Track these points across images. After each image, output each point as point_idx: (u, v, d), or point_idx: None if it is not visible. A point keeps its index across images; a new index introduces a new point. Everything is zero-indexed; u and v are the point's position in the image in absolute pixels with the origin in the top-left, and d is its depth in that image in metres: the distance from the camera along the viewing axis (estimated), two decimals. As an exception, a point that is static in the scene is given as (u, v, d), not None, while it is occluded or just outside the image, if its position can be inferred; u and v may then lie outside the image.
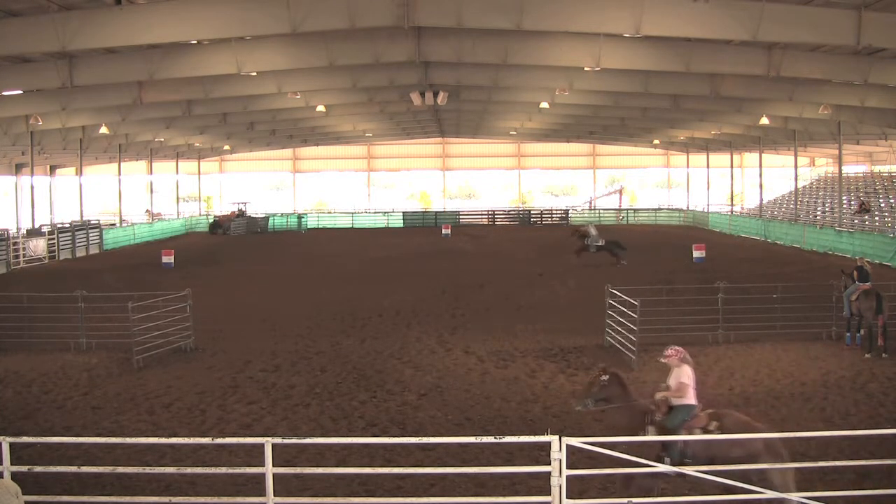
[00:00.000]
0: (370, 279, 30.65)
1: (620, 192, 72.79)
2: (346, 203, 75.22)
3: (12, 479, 8.26)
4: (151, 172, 61.17)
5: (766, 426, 9.73)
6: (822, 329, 18.56)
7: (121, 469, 10.01)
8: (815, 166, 70.69)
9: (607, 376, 9.63)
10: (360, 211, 71.20)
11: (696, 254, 34.08)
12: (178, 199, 64.31)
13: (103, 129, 41.18)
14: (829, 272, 24.36)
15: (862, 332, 17.30)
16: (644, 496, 9.07)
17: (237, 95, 35.17)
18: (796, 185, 51.79)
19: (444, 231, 53.89)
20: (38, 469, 9.40)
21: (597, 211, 70.24)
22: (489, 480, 10.28)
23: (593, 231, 35.06)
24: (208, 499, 9.38)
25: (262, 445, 8.68)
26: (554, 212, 69.81)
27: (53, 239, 40.29)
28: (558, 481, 8.39)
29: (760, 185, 53.80)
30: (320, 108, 41.96)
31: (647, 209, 70.89)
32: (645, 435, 9.28)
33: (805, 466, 10.17)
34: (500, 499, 9.67)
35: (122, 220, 52.91)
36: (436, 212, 70.15)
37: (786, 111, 39.06)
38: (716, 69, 28.76)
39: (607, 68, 28.70)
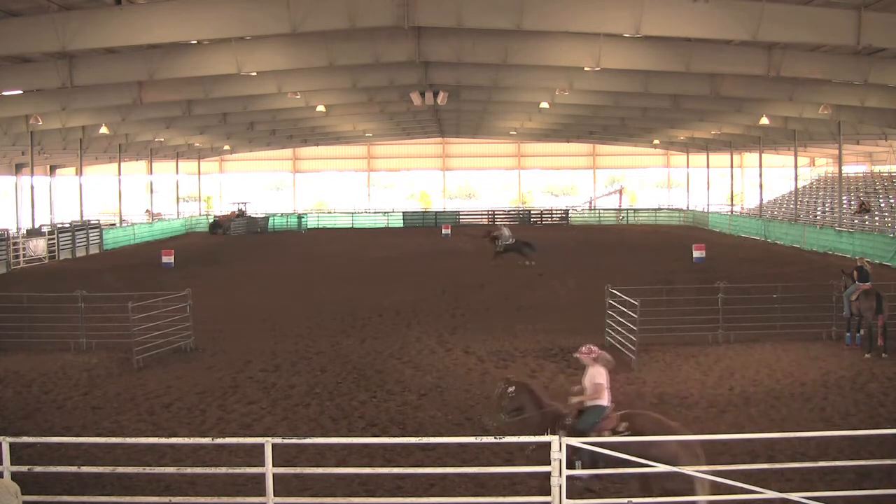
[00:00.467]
0: (370, 279, 30.65)
1: (620, 192, 72.80)
2: (346, 203, 75.22)
3: (12, 479, 8.27)
4: (151, 172, 61.17)
5: (681, 426, 9.66)
6: (822, 329, 18.55)
7: (121, 469, 10.01)
8: (815, 166, 70.69)
9: (513, 387, 9.54)
10: (360, 211, 71.20)
11: (696, 254, 34.10)
12: (178, 199, 64.31)
13: (103, 129, 41.18)
14: (829, 272, 24.37)
15: (862, 332, 17.30)
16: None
17: (237, 95, 35.17)
18: (796, 185, 51.79)
19: (444, 231, 53.90)
20: (38, 469, 9.39)
21: (597, 211, 70.26)
22: (489, 480, 10.28)
23: (506, 232, 35.31)
24: (208, 499, 9.38)
25: (262, 445, 8.68)
26: (554, 212, 69.81)
27: (53, 239, 40.28)
28: (558, 481, 8.39)
29: (760, 185, 53.80)
30: (320, 108, 41.96)
31: (647, 209, 70.90)
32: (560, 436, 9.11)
33: (805, 466, 10.18)
34: (500, 499, 9.67)
35: (122, 220, 52.91)
36: (436, 212, 70.15)
37: (786, 111, 39.06)
38: (716, 69, 28.76)
39: (607, 68, 28.70)
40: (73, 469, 9.95)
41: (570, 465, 8.88)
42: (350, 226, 66.47)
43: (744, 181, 73.60)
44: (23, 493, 8.05)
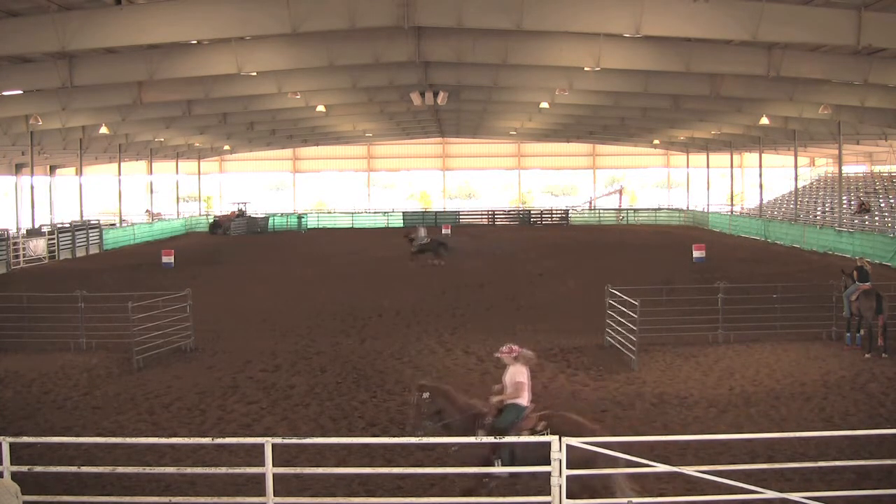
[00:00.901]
0: (370, 279, 30.65)
1: (620, 192, 72.79)
2: (346, 203, 75.21)
3: (12, 479, 8.27)
4: (151, 172, 61.18)
5: (599, 427, 9.67)
6: (822, 329, 18.56)
7: (121, 469, 10.01)
8: (815, 166, 70.69)
9: (427, 393, 9.51)
10: (360, 211, 71.19)
11: (696, 254, 34.11)
12: (178, 199, 64.31)
13: (103, 129, 41.18)
14: (829, 272, 24.37)
15: (862, 332, 17.30)
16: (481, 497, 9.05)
17: (237, 95, 35.18)
18: (796, 185, 51.79)
19: (444, 231, 53.89)
20: (38, 469, 9.39)
21: (597, 211, 70.26)
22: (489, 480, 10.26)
23: (422, 232, 36.38)
24: (208, 499, 9.37)
25: (262, 445, 8.69)
26: (554, 212, 69.80)
27: (53, 239, 40.29)
28: (558, 481, 8.39)
29: (760, 185, 53.80)
30: (320, 108, 41.96)
31: (647, 209, 70.88)
32: (480, 435, 9.24)
33: (805, 466, 10.18)
34: (500, 499, 9.67)
35: (122, 220, 52.90)
36: (436, 212, 70.11)
37: (786, 111, 39.06)
38: (716, 69, 28.76)
39: (607, 68, 28.71)
40: (73, 469, 9.95)
41: (490, 463, 8.98)
42: (350, 226, 66.46)
43: (744, 181, 73.61)
44: (23, 493, 8.06)
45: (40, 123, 36.87)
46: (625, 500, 9.06)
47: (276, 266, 35.98)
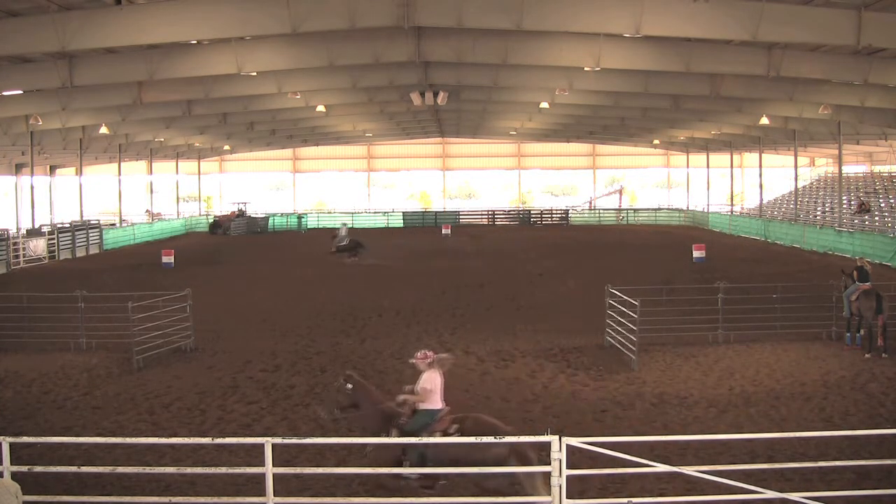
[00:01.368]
0: (370, 279, 30.65)
1: (620, 192, 72.78)
2: (346, 203, 75.20)
3: (12, 479, 8.27)
4: (151, 172, 61.18)
5: (513, 429, 9.71)
6: (822, 329, 18.56)
7: (121, 469, 10.01)
8: (815, 166, 70.69)
9: (351, 384, 9.59)
10: (360, 211, 71.18)
11: (696, 254, 34.10)
12: (178, 199, 64.31)
13: (103, 129, 41.18)
14: (829, 272, 24.37)
15: (862, 332, 17.29)
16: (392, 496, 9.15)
17: (237, 95, 35.18)
18: (796, 185, 51.80)
19: (444, 231, 53.90)
20: (38, 469, 9.39)
21: (597, 211, 70.26)
22: (489, 480, 10.25)
23: (342, 232, 37.77)
24: (208, 499, 9.37)
25: (262, 445, 8.69)
26: (554, 212, 69.80)
27: (53, 239, 40.27)
28: (558, 481, 8.39)
29: (760, 185, 53.80)
30: (320, 108, 41.96)
31: (647, 209, 70.88)
32: (391, 436, 9.35)
33: (805, 466, 10.18)
34: (500, 499, 9.66)
35: (122, 220, 52.90)
36: (436, 212, 70.13)
37: (786, 111, 39.06)
38: (716, 69, 28.76)
39: (607, 68, 28.71)
40: (73, 469, 9.95)
41: (399, 464, 9.08)
42: (350, 226, 66.35)
43: (744, 181, 73.61)
44: (23, 493, 8.06)
45: (40, 123, 36.86)
46: (625, 500, 9.06)
47: (276, 266, 35.97)
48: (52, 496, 9.23)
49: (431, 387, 9.55)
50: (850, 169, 59.24)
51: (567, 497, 8.46)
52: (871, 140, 51.69)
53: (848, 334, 17.82)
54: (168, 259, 35.24)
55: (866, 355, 16.74)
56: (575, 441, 8.60)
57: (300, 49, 27.30)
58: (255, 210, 66.83)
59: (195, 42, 26.15)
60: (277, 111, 43.24)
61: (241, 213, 61.90)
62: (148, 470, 10.20)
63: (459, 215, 68.57)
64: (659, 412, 13.35)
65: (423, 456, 9.09)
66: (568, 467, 8.47)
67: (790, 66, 26.95)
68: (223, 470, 10.25)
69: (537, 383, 15.24)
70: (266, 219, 63.48)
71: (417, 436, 9.19)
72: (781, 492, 8.84)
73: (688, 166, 68.91)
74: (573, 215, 68.70)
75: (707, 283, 20.88)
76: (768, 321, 18.69)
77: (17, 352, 18.06)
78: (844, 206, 45.62)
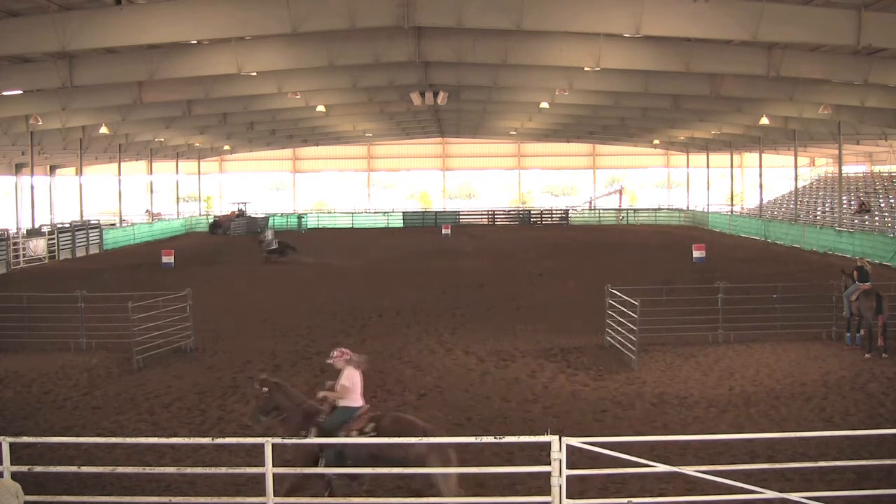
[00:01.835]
0: (370, 279, 30.65)
1: (620, 192, 72.79)
2: (346, 203, 75.22)
3: (12, 479, 8.27)
4: (151, 172, 61.18)
5: (433, 428, 9.74)
6: (822, 329, 18.56)
7: (121, 469, 10.01)
8: (815, 166, 70.69)
9: (266, 388, 9.62)
10: (360, 211, 71.19)
11: (696, 254, 34.11)
12: (178, 199, 64.33)
13: (103, 129, 41.19)
14: (829, 272, 24.37)
15: (862, 332, 17.29)
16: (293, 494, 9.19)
17: (237, 95, 35.18)
18: (796, 185, 51.80)
19: (444, 231, 53.90)
20: (38, 469, 9.39)
21: (597, 211, 70.26)
22: (489, 480, 10.27)
23: (269, 236, 37.89)
24: (208, 499, 9.37)
25: (262, 445, 8.69)
26: (554, 212, 69.81)
27: (53, 239, 40.28)
28: (558, 481, 8.39)
29: (760, 185, 53.81)
30: (320, 108, 41.96)
31: (647, 209, 70.90)
32: (308, 436, 9.36)
33: (805, 466, 10.18)
34: (500, 499, 9.67)
35: (122, 220, 52.91)
36: (436, 212, 70.14)
37: (786, 111, 39.07)
38: (716, 69, 28.76)
39: (607, 68, 28.71)
40: (73, 469, 9.94)
41: (316, 462, 9.13)
42: (350, 226, 66.47)
43: (744, 181, 73.61)
44: (23, 493, 8.06)
45: (40, 123, 36.87)
46: (625, 500, 9.06)
47: (276, 266, 35.95)
48: (52, 496, 9.23)
49: (350, 384, 9.61)
50: (850, 169, 59.25)
51: (567, 497, 8.45)
52: (871, 140, 51.69)
53: (848, 334, 17.82)
54: (168, 259, 35.24)
55: (866, 355, 16.74)
56: (575, 441, 8.60)
57: (300, 49, 27.30)
58: (255, 210, 66.83)
59: (195, 42, 26.15)
60: (277, 111, 43.24)
61: (241, 213, 61.91)
62: (148, 470, 10.19)
63: (459, 215, 68.58)
64: (659, 412, 13.35)
65: (340, 454, 9.17)
66: (568, 467, 8.47)
67: (790, 66, 26.95)
68: (223, 470, 10.25)
69: (537, 383, 15.23)
70: (266, 219, 63.44)
71: (335, 433, 9.27)
72: (781, 492, 8.83)
73: (688, 166, 68.92)
74: (573, 215, 68.72)
75: (707, 283, 20.88)
76: (768, 321, 18.68)
77: (17, 352, 18.05)
78: (844, 206, 45.62)
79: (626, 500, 9.23)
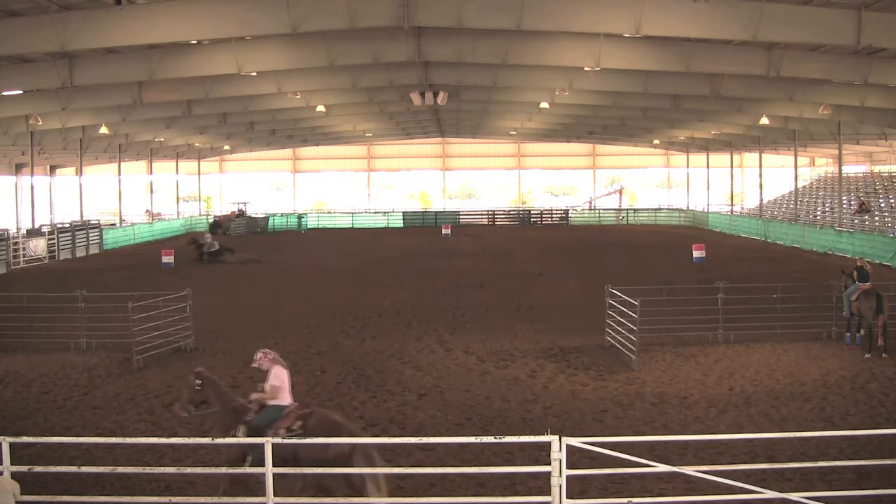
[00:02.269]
0: (370, 279, 30.65)
1: (620, 192, 72.79)
2: (346, 203, 75.23)
3: (12, 479, 8.27)
4: (151, 172, 61.18)
5: (357, 428, 9.93)
6: (822, 329, 18.56)
7: (121, 469, 10.01)
8: (815, 166, 70.70)
9: (200, 381, 9.79)
10: (360, 211, 71.20)
11: (696, 254, 34.10)
12: (178, 199, 64.34)
13: (103, 129, 41.19)
14: (829, 272, 24.37)
15: (862, 332, 17.29)
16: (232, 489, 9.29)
17: (237, 95, 35.18)
18: (796, 185, 51.81)
19: (444, 231, 53.91)
20: (38, 469, 9.38)
21: (597, 211, 70.26)
22: (489, 480, 10.28)
23: (208, 238, 38.03)
24: (208, 499, 9.37)
25: (261, 445, 8.69)
26: (554, 212, 69.82)
27: (53, 239, 40.27)
28: (558, 481, 8.39)
29: (760, 185, 53.80)
30: (320, 108, 41.96)
31: (647, 209, 70.91)
32: (236, 434, 9.52)
33: (805, 466, 10.18)
34: (500, 499, 9.67)
35: (122, 220, 52.90)
36: (436, 212, 70.14)
37: (786, 111, 39.07)
38: (716, 69, 28.76)
39: (607, 68, 28.71)
40: (73, 469, 9.94)
41: (245, 460, 9.25)
42: (350, 226, 66.48)
43: (744, 181, 73.61)
44: (23, 493, 8.06)
45: (40, 123, 36.88)
46: (625, 500, 9.06)
47: (276, 266, 35.97)
48: (52, 496, 9.23)
49: (280, 383, 9.79)
50: (850, 169, 59.24)
51: (567, 497, 8.45)
52: (871, 140, 51.69)
53: (848, 334, 17.81)
54: (168, 259, 35.26)
55: (866, 355, 16.74)
56: (575, 441, 8.60)
57: (300, 49, 27.30)
58: (255, 210, 66.86)
59: (195, 42, 26.15)
60: (277, 111, 43.25)
61: (241, 213, 61.94)
62: (148, 470, 10.20)
63: (459, 215, 68.59)
64: (659, 412, 13.35)
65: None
66: (568, 467, 8.47)
67: (790, 66, 26.94)
68: (223, 470, 10.24)
69: (537, 383, 15.24)
70: (266, 219, 63.51)
71: (263, 431, 9.42)
72: (781, 492, 8.83)
73: (688, 166, 68.94)
74: (573, 215, 68.72)
75: (707, 283, 20.86)
76: (768, 321, 18.69)
77: (17, 352, 18.06)
78: (844, 206, 45.62)
79: (626, 500, 9.23)
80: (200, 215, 66.54)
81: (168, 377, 15.92)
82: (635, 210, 70.52)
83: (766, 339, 18.22)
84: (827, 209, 50.50)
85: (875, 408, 13.51)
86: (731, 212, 60.30)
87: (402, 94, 38.58)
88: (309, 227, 63.82)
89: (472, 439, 10.73)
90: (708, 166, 62.89)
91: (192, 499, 9.48)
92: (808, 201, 54.86)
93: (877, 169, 58.96)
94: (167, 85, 32.02)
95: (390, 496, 9.31)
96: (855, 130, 45.41)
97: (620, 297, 17.21)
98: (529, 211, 70.54)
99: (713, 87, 31.86)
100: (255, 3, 22.42)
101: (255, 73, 29.87)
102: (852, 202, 48.85)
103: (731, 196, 62.79)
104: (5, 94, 32.14)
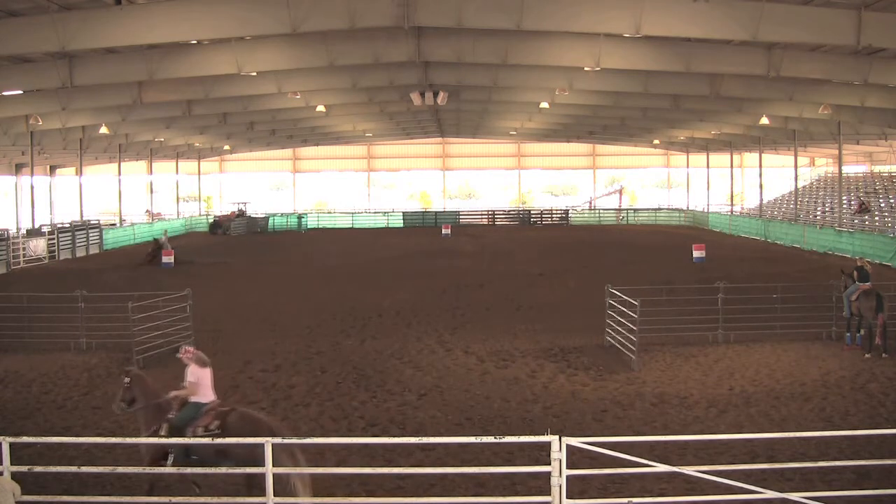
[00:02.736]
0: (370, 279, 30.65)
1: (620, 192, 72.79)
2: (346, 203, 75.23)
3: (12, 479, 8.27)
4: (151, 172, 61.18)
5: (280, 426, 9.98)
6: (822, 329, 18.56)
7: (121, 469, 10.02)
8: (815, 166, 70.70)
9: (129, 379, 9.98)
10: (360, 211, 71.20)
11: (696, 254, 34.10)
12: (178, 199, 64.34)
13: (103, 129, 41.18)
14: (829, 272, 24.37)
15: (862, 332, 17.29)
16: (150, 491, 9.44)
17: (237, 95, 35.18)
18: (796, 185, 51.81)
19: (444, 231, 53.91)
20: (38, 469, 9.39)
21: (597, 211, 70.26)
22: (489, 480, 10.28)
23: (163, 240, 37.89)
24: (208, 499, 9.37)
25: (261, 445, 8.69)
26: (554, 212, 69.82)
27: (53, 239, 40.26)
28: (558, 481, 8.39)
29: (760, 185, 53.81)
30: (320, 108, 41.96)
31: (647, 209, 70.91)
32: (160, 432, 9.68)
33: (805, 466, 10.18)
34: (500, 499, 9.67)
35: (122, 220, 52.90)
36: (436, 212, 70.15)
37: (786, 111, 39.06)
38: (716, 69, 28.76)
39: (607, 68, 28.70)
40: (73, 469, 9.95)
41: (166, 458, 9.41)
42: (350, 226, 66.49)
43: (744, 181, 73.62)
44: (23, 493, 8.06)
45: (40, 123, 36.88)
46: (625, 500, 9.06)
47: (276, 266, 35.97)
48: (52, 496, 9.23)
49: (195, 379, 9.93)
50: (850, 169, 59.24)
51: (567, 497, 8.46)
52: (871, 140, 51.70)
53: (848, 334, 17.82)
54: (168, 259, 35.26)
55: (866, 355, 16.74)
56: (575, 441, 8.60)
57: (300, 49, 27.30)
58: (255, 210, 66.85)
59: (195, 42, 26.15)
60: (277, 111, 43.24)
61: (241, 213, 61.93)
62: (148, 470, 10.18)
63: (459, 215, 68.58)
64: (659, 412, 13.35)
65: (187, 450, 9.43)
66: (568, 467, 8.47)
67: (790, 66, 26.94)
68: (223, 470, 10.24)
69: (537, 383, 15.24)
70: (266, 219, 63.50)
71: (183, 428, 9.59)
72: (781, 492, 8.84)
73: (688, 166, 68.95)
74: (573, 215, 68.72)
75: (707, 283, 20.87)
76: (768, 321, 18.69)
77: (17, 352, 18.06)
78: (844, 206, 45.63)
79: (626, 500, 9.23)
80: (200, 215, 66.53)
81: (168, 377, 15.86)
82: (635, 210, 70.53)
83: (766, 339, 18.22)
84: (827, 209, 50.50)
85: (875, 408, 13.51)
86: (731, 212, 60.31)
87: (402, 94, 38.58)
88: (309, 227, 63.82)
89: (472, 439, 10.74)
90: (708, 166, 62.89)
91: (192, 499, 9.48)
92: (808, 201, 54.87)
93: (877, 169, 58.96)
94: (167, 85, 32.02)
95: (315, 495, 9.30)
96: (855, 130, 45.41)
97: (620, 297, 17.22)
98: (529, 211, 70.55)
99: (713, 87, 31.86)
100: (255, 3, 22.42)
101: (255, 73, 29.87)
102: (852, 202, 48.85)
103: (731, 196, 62.80)
104: (5, 94, 32.14)
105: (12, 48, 23.45)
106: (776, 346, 17.82)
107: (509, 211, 71.31)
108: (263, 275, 32.74)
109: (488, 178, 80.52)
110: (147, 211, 61.48)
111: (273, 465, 8.74)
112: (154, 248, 37.04)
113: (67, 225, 45.22)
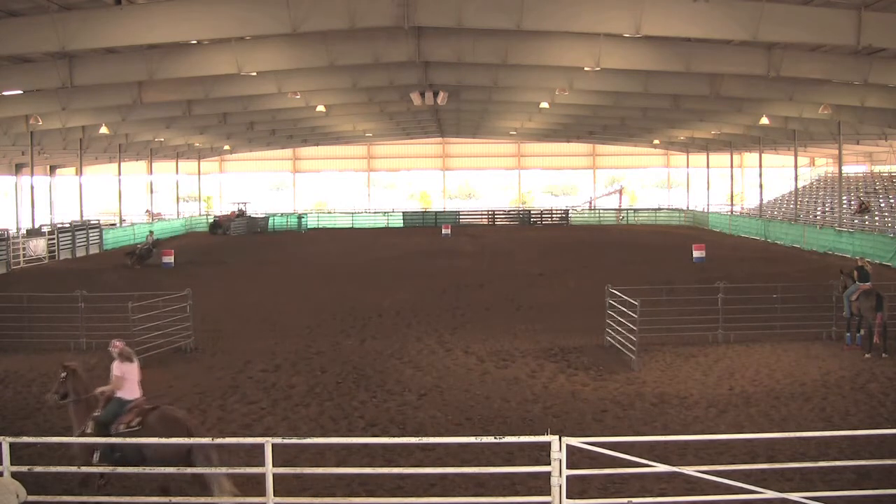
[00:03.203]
0: (370, 279, 30.65)
1: (620, 192, 72.80)
2: (346, 203, 75.23)
3: (13, 479, 8.26)
4: (151, 172, 61.18)
5: (198, 425, 10.07)
6: (822, 329, 18.56)
7: (121, 469, 10.00)
8: (815, 166, 70.71)
9: (65, 373, 10.03)
10: (360, 211, 71.21)
11: (696, 254, 34.11)
12: (178, 199, 64.32)
13: (103, 129, 41.19)
14: (829, 272, 24.37)
15: (862, 332, 17.30)
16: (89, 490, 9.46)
17: (237, 95, 35.18)
18: (796, 185, 51.81)
19: (444, 231, 53.91)
20: (38, 469, 9.39)
21: (597, 211, 70.27)
22: (489, 480, 10.28)
23: (150, 243, 37.96)
24: (208, 499, 9.37)
25: (262, 445, 8.70)
26: (554, 212, 69.82)
27: (53, 239, 40.27)
28: (558, 481, 8.39)
29: (760, 185, 53.82)
30: (320, 108, 41.96)
31: (647, 209, 70.92)
32: (87, 428, 9.72)
33: (805, 466, 10.19)
34: (500, 499, 9.67)
35: (122, 220, 52.89)
36: (436, 212, 70.14)
37: (786, 111, 39.07)
38: (716, 69, 28.76)
39: (607, 68, 28.70)
40: (73, 469, 9.94)
41: (91, 455, 9.46)
42: (350, 226, 66.49)
43: (744, 181, 73.64)
44: (24, 492, 8.05)
45: (40, 123, 36.87)
46: (625, 500, 9.06)
47: (276, 266, 35.97)
48: (52, 496, 9.23)
49: (121, 374, 10.00)
50: (850, 169, 59.25)
51: (567, 497, 8.46)
52: (871, 140, 51.70)
53: (848, 334, 17.82)
54: (168, 259, 35.26)
55: (866, 355, 16.74)
56: (575, 441, 8.60)
57: (300, 49, 27.29)
58: (255, 210, 66.85)
59: (195, 42, 26.15)
60: (277, 111, 43.25)
61: (241, 213, 61.93)
62: (148, 470, 10.18)
63: (459, 215, 68.58)
64: (659, 412, 13.35)
65: (111, 448, 9.50)
66: (568, 467, 8.47)
67: (790, 66, 26.95)
68: (223, 470, 10.24)
69: (537, 383, 15.24)
70: (266, 219, 63.50)
71: (108, 425, 9.64)
72: (781, 492, 8.84)
73: (688, 166, 68.95)
74: (573, 215, 68.72)
75: (707, 283, 20.87)
76: (768, 321, 18.70)
77: (17, 352, 18.06)
78: (844, 206, 45.63)
79: (626, 500, 9.23)
80: (200, 215, 66.53)
81: (168, 377, 15.92)
82: (635, 210, 70.53)
83: (766, 339, 18.23)
84: (827, 209, 50.51)
85: (875, 408, 13.51)
86: (731, 212, 60.31)
87: (402, 94, 38.58)
88: (309, 227, 63.82)
89: (472, 439, 10.74)
90: (708, 166, 62.90)
91: (192, 499, 9.48)
92: (808, 201, 54.87)
93: (877, 169, 58.97)
94: (167, 85, 32.02)
95: (239, 495, 9.32)
96: (855, 130, 45.42)
97: (620, 297, 17.22)
98: (529, 211, 70.55)
99: (713, 87, 31.86)
100: (255, 3, 22.42)
101: (255, 73, 29.87)
102: (852, 202, 48.85)
103: (731, 196, 62.80)
104: (5, 94, 32.15)
105: (12, 48, 23.45)
106: (776, 346, 17.82)
107: (509, 211, 71.31)
108: (263, 275, 32.74)
109: (488, 178, 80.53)
110: (147, 211, 61.46)
111: (191, 466, 8.86)
112: (141, 250, 36.90)
113: (67, 225, 45.20)
